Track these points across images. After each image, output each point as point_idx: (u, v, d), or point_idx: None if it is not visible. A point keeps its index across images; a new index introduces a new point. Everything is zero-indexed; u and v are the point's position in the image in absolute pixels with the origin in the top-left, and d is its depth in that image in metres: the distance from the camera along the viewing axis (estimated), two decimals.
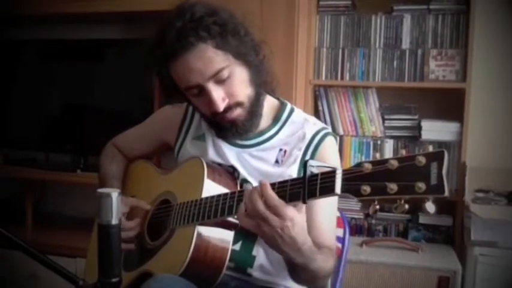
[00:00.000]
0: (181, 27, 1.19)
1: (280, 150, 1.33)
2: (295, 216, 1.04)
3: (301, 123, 1.36)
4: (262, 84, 1.32)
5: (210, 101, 1.23)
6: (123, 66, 2.72)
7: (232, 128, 1.29)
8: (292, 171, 1.29)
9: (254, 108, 1.30)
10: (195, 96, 1.27)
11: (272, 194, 1.03)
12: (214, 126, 1.34)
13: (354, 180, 0.93)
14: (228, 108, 1.25)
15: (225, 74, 1.22)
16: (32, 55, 2.95)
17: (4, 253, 2.37)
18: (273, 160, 1.32)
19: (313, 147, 1.31)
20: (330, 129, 1.38)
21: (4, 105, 3.01)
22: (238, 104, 1.26)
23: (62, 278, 0.93)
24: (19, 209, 2.93)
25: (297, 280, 1.25)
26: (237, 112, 1.27)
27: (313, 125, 1.36)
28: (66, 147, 2.92)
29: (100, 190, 0.86)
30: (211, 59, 1.20)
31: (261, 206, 1.03)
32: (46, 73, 2.91)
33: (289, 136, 1.34)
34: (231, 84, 1.24)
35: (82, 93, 2.89)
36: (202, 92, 1.24)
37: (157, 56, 1.24)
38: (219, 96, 1.23)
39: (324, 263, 1.16)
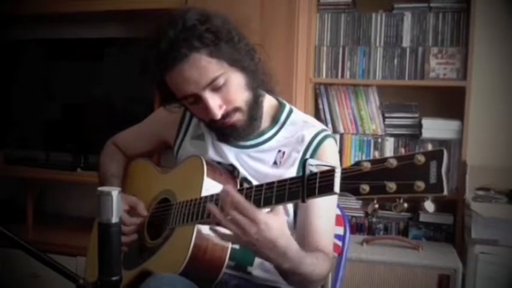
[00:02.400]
0: (173, 38, 1.18)
1: (279, 151, 1.32)
2: (268, 219, 1.04)
3: (300, 125, 1.36)
4: (259, 85, 1.32)
5: (207, 109, 1.23)
6: (123, 65, 2.71)
7: (233, 132, 1.29)
8: (290, 174, 1.28)
9: (253, 112, 1.29)
10: (192, 104, 1.27)
11: (240, 198, 1.04)
12: (215, 131, 1.34)
13: (352, 179, 0.92)
14: (226, 115, 1.25)
15: (220, 81, 1.21)
16: (31, 55, 2.95)
17: (5, 252, 2.38)
18: (272, 161, 1.32)
19: (312, 150, 1.31)
20: (329, 131, 1.37)
21: (4, 105, 3.01)
22: (236, 110, 1.26)
23: (63, 277, 0.93)
24: (20, 208, 2.93)
25: (288, 282, 1.24)
26: (236, 117, 1.27)
27: (312, 127, 1.35)
28: (66, 146, 2.92)
29: (100, 188, 0.86)
30: (205, 68, 1.20)
31: (230, 210, 1.04)
32: (46, 72, 2.91)
33: (288, 138, 1.34)
34: (227, 91, 1.23)
35: (82, 93, 2.90)
36: (198, 100, 1.24)
37: (152, 65, 1.24)
38: (215, 104, 1.23)
39: (313, 266, 1.16)
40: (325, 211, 1.28)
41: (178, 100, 1.30)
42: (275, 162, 1.32)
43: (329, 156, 1.31)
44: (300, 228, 1.29)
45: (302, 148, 1.31)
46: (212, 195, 1.17)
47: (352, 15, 2.61)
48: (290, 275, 1.16)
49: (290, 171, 1.29)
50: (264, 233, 1.04)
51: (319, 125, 1.38)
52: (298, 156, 1.30)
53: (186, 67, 1.19)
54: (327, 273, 1.24)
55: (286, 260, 1.09)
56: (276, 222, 1.06)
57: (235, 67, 1.24)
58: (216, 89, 1.22)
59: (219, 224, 1.08)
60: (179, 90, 1.24)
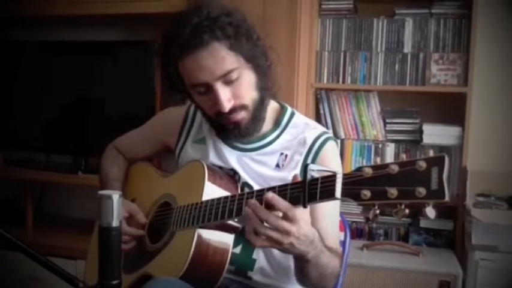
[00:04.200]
0: (197, 24, 1.20)
1: (281, 154, 1.33)
2: (303, 214, 1.05)
3: (302, 127, 1.36)
4: (267, 88, 1.32)
5: (216, 101, 1.23)
6: (124, 68, 2.72)
7: (235, 129, 1.29)
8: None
9: (258, 113, 1.30)
10: (200, 94, 1.27)
11: (279, 200, 1.04)
12: (216, 126, 1.34)
13: (354, 184, 0.93)
14: (233, 110, 1.25)
15: (234, 75, 1.22)
16: (32, 56, 2.96)
17: (4, 254, 2.37)
18: (274, 164, 1.32)
19: (314, 152, 1.31)
20: (330, 134, 1.38)
21: (5, 106, 3.01)
22: (243, 107, 1.26)
23: (62, 280, 0.93)
24: (19, 210, 2.93)
25: (305, 282, 1.24)
26: (241, 115, 1.27)
27: (313, 129, 1.36)
28: (67, 148, 2.92)
29: (101, 192, 0.86)
30: (223, 58, 1.21)
31: (272, 217, 1.04)
32: (47, 74, 2.91)
33: (290, 140, 1.34)
34: (238, 86, 1.24)
35: (83, 95, 2.90)
36: (208, 90, 1.24)
37: (169, 49, 1.25)
38: (225, 97, 1.23)
39: (331, 258, 1.17)
40: (329, 211, 1.28)
41: (186, 90, 1.30)
42: (278, 165, 1.32)
43: (331, 159, 1.32)
44: None
45: (304, 151, 1.31)
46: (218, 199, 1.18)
47: (354, 21, 2.61)
48: (310, 269, 1.16)
49: (293, 174, 1.28)
50: (302, 230, 1.05)
51: (320, 128, 1.38)
52: (300, 159, 1.31)
53: (204, 54, 1.20)
54: (339, 272, 1.24)
55: (313, 248, 1.10)
56: (307, 213, 1.07)
57: (250, 64, 1.25)
58: (228, 82, 1.23)
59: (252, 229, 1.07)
60: (192, 77, 1.24)
